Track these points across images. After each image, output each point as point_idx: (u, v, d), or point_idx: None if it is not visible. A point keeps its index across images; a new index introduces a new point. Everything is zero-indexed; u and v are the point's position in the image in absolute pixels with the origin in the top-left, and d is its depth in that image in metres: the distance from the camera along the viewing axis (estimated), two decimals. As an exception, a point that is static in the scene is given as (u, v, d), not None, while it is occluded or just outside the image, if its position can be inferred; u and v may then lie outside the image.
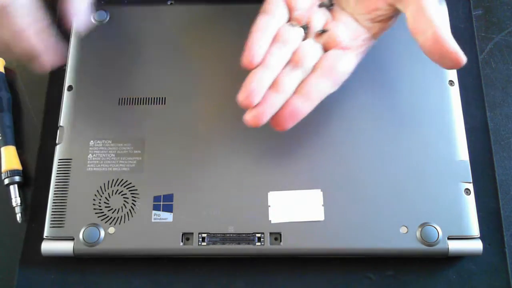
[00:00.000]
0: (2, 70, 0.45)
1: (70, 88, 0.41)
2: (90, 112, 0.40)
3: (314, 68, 0.35)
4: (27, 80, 0.45)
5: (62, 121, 0.40)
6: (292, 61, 0.35)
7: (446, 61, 0.32)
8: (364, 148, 0.39)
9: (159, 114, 0.40)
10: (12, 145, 0.42)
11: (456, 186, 0.38)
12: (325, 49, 0.36)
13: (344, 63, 0.35)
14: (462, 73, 0.43)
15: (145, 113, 0.40)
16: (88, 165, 0.39)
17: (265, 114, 0.33)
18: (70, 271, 0.38)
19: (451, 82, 0.41)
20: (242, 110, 0.34)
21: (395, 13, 0.35)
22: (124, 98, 0.41)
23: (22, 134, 0.43)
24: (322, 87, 0.34)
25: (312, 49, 0.35)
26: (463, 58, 0.32)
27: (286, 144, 0.39)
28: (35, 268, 0.38)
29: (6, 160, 0.41)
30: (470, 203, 0.37)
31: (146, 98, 0.41)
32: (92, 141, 0.39)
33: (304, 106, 0.34)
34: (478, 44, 0.45)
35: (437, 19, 0.33)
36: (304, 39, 0.36)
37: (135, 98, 0.41)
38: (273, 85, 0.34)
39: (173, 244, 0.36)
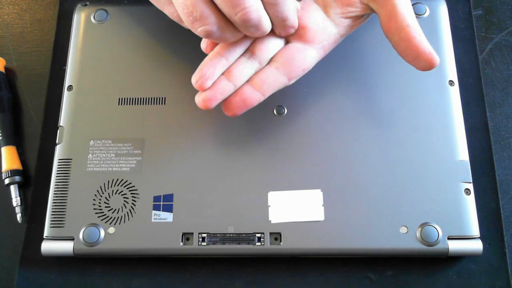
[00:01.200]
0: (3, 70, 0.45)
1: (70, 88, 0.41)
2: (90, 112, 0.40)
3: (271, 60, 0.35)
4: (27, 80, 0.45)
5: (62, 121, 0.40)
6: (249, 51, 0.34)
7: (419, 62, 0.32)
8: (364, 148, 0.39)
9: (159, 114, 0.40)
10: (13, 145, 0.42)
11: (456, 186, 0.38)
12: (287, 41, 0.35)
13: (303, 58, 0.35)
14: (462, 73, 0.43)
15: (145, 113, 0.40)
16: (88, 165, 0.39)
17: (214, 99, 0.33)
18: (70, 271, 0.38)
19: (451, 82, 0.41)
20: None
21: (367, 12, 0.35)
22: (124, 98, 0.41)
23: (22, 134, 0.43)
24: (276, 80, 0.34)
25: (271, 43, 0.35)
26: (436, 59, 0.32)
27: (286, 144, 0.39)
28: (35, 268, 0.38)
29: (7, 160, 0.41)
30: (470, 203, 0.37)
31: (146, 98, 0.41)
32: (92, 141, 0.39)
33: (255, 96, 0.34)
34: (478, 44, 0.45)
35: (410, 19, 0.33)
36: None
37: (135, 98, 0.41)
38: (226, 72, 0.34)
39: (173, 244, 0.36)
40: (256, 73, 0.34)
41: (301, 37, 0.35)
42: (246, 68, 0.34)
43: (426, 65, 0.32)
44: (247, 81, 0.34)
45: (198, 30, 0.31)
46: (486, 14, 0.47)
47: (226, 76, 0.34)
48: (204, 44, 0.34)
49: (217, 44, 0.34)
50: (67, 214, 0.37)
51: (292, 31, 0.34)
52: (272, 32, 0.35)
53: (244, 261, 0.38)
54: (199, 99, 0.33)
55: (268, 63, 0.35)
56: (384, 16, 0.33)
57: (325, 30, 0.35)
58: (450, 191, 0.37)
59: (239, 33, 0.32)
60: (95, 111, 0.40)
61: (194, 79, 0.33)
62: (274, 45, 0.35)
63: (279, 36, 0.35)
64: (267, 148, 0.39)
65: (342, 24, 0.35)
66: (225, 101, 0.34)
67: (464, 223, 0.37)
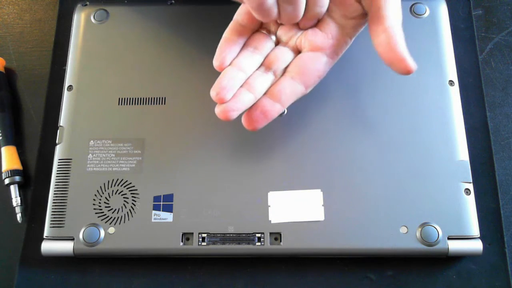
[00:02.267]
0: (3, 70, 0.45)
1: (70, 88, 0.41)
2: (90, 112, 0.40)
3: (285, 71, 0.35)
4: (27, 80, 0.45)
5: (62, 121, 0.40)
6: (263, 65, 0.35)
7: (394, 67, 0.32)
8: (364, 148, 0.39)
9: (159, 114, 0.40)
10: (13, 145, 0.42)
11: (456, 186, 0.38)
12: (298, 50, 0.36)
13: (316, 65, 0.35)
14: (462, 73, 0.43)
15: (145, 113, 0.40)
16: (88, 165, 0.39)
17: (234, 110, 0.33)
18: (70, 271, 0.38)
19: (451, 82, 0.41)
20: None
21: (364, 11, 0.35)
22: (124, 98, 0.41)
23: (22, 134, 0.43)
24: (293, 90, 0.34)
25: (283, 54, 0.35)
26: (411, 66, 0.31)
27: (286, 145, 0.39)
28: (35, 268, 0.38)
29: (7, 160, 0.41)
30: (470, 203, 0.37)
31: (146, 98, 0.41)
32: (92, 141, 0.40)
33: (274, 108, 0.34)
34: (478, 44, 0.45)
35: (393, 22, 0.32)
36: (277, 43, 0.36)
37: (135, 98, 0.41)
38: (245, 84, 0.34)
39: (173, 244, 0.36)
40: (272, 85, 0.35)
41: (311, 45, 0.35)
42: (263, 80, 0.34)
43: (401, 70, 0.32)
44: (265, 94, 0.34)
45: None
46: (486, 14, 0.47)
47: (246, 87, 0.34)
48: (217, 62, 0.34)
49: (229, 57, 0.34)
50: (67, 214, 0.37)
51: (323, 10, 0.34)
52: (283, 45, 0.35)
53: (244, 261, 0.38)
54: (219, 110, 0.33)
55: (283, 74, 0.35)
56: (369, 18, 0.33)
57: (333, 34, 0.35)
58: (450, 191, 0.37)
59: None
60: (95, 111, 0.40)
61: (213, 92, 0.33)
62: (286, 56, 0.35)
63: (309, 19, 0.34)
64: (267, 148, 0.39)
65: (348, 26, 0.35)
66: (246, 115, 0.34)
67: (464, 223, 0.37)
